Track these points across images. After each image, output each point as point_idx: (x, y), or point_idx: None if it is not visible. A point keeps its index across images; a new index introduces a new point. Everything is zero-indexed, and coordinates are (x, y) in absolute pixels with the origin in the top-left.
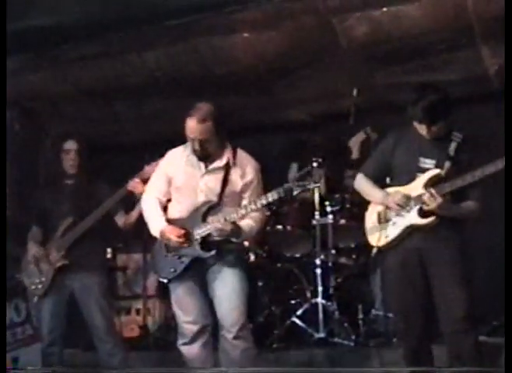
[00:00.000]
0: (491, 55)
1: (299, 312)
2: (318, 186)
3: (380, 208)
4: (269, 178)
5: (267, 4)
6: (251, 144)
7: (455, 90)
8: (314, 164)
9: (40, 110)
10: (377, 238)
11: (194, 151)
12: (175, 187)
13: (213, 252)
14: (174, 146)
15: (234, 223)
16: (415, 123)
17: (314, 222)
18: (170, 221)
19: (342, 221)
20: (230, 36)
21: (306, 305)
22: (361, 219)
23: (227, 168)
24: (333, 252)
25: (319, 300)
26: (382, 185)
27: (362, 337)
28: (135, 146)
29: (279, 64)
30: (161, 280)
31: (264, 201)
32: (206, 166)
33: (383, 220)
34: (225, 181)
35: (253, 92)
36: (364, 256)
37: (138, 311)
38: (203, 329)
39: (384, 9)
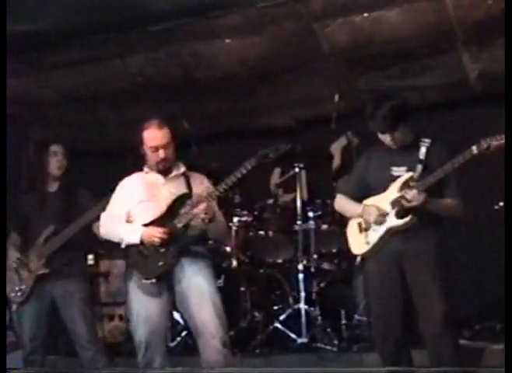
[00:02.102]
0: (472, 60)
1: (281, 318)
2: (290, 148)
3: (360, 219)
4: (252, 182)
5: (249, 9)
6: (233, 149)
7: (436, 95)
8: (296, 169)
9: (22, 115)
10: (359, 246)
11: (158, 164)
12: (137, 200)
13: (198, 233)
14: None
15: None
16: (379, 135)
17: (296, 228)
18: None
19: (324, 227)
20: (213, 42)
21: (288, 311)
22: (343, 224)
23: (186, 176)
24: (315, 257)
25: (302, 305)
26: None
27: (345, 342)
28: (117, 151)
29: (261, 69)
30: (147, 281)
31: (243, 170)
32: (165, 177)
33: (363, 229)
34: (188, 184)
35: (235, 97)
36: (346, 261)
37: (120, 318)
38: (162, 339)
39: (366, 15)
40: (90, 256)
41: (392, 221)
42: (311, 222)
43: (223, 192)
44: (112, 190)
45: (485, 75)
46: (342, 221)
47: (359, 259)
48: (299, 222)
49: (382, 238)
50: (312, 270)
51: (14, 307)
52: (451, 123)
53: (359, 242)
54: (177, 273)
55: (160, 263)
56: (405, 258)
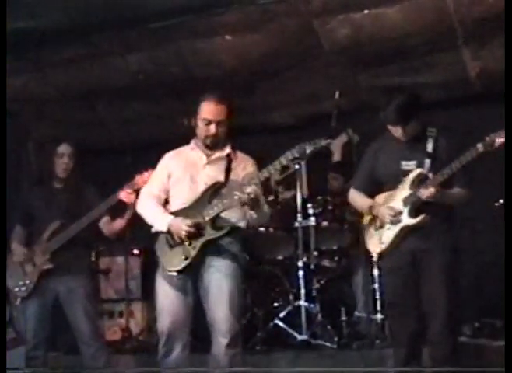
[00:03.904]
0: (472, 58)
1: (281, 315)
2: (330, 143)
3: (374, 215)
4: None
5: (250, 6)
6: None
7: (436, 92)
8: (296, 166)
9: (23, 113)
10: (375, 244)
11: (206, 138)
12: (175, 179)
13: (225, 231)
14: (158, 148)
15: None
16: (390, 127)
17: (297, 224)
18: (172, 214)
19: (324, 224)
20: (213, 39)
21: (288, 308)
22: (343, 221)
23: (229, 159)
24: (315, 254)
25: (302, 302)
26: (374, 193)
27: (345, 339)
28: (118, 149)
29: (262, 66)
30: (169, 273)
31: (278, 165)
32: (208, 157)
33: (378, 227)
34: (228, 169)
35: (235, 94)
36: (346, 258)
37: (120, 314)
38: (184, 331)
39: (366, 12)
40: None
41: (406, 221)
42: (311, 219)
43: (264, 179)
44: (117, 186)
45: (486, 73)
46: (342, 217)
47: (375, 256)
48: (299, 219)
49: (396, 238)
50: (312, 267)
51: (18, 301)
52: (451, 121)
53: (374, 241)
54: (203, 266)
55: (183, 257)
56: (418, 257)
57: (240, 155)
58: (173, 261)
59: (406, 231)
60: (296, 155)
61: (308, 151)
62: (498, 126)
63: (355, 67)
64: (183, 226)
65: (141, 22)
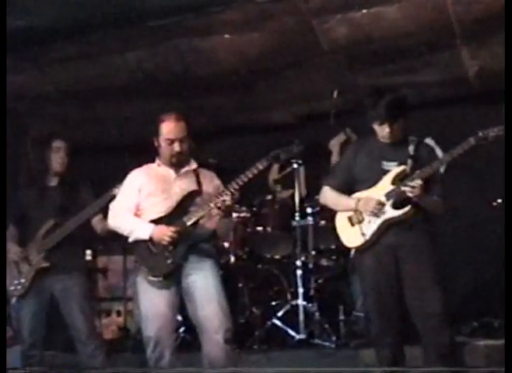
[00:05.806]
0: (471, 57)
1: (279, 314)
2: (301, 149)
3: (350, 213)
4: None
5: (248, 5)
6: (232, 145)
7: (435, 91)
8: (295, 165)
9: (21, 111)
10: (354, 239)
11: (171, 157)
12: (146, 193)
13: (210, 233)
14: (156, 147)
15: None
16: (376, 127)
17: (295, 224)
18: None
19: (322, 223)
20: (212, 37)
21: (286, 307)
22: None
23: (196, 173)
24: (313, 253)
25: (300, 301)
26: (348, 192)
27: (343, 338)
28: (116, 147)
29: (261, 65)
30: (153, 279)
31: (254, 170)
32: (177, 172)
33: (356, 222)
34: (198, 181)
35: (234, 93)
36: (344, 257)
37: (118, 313)
38: (171, 334)
39: (364, 11)
40: (88, 252)
41: (390, 213)
42: (309, 218)
43: (233, 192)
44: (113, 184)
45: (484, 72)
46: None
47: (353, 252)
48: (297, 218)
49: (379, 230)
50: (310, 266)
51: (13, 300)
52: (450, 120)
53: (353, 235)
54: (184, 268)
55: (169, 261)
56: (400, 252)
57: (202, 170)
58: (157, 266)
59: (388, 225)
60: (265, 164)
61: (282, 157)
62: (496, 124)
63: (354, 66)
64: (168, 232)
65: (140, 20)
